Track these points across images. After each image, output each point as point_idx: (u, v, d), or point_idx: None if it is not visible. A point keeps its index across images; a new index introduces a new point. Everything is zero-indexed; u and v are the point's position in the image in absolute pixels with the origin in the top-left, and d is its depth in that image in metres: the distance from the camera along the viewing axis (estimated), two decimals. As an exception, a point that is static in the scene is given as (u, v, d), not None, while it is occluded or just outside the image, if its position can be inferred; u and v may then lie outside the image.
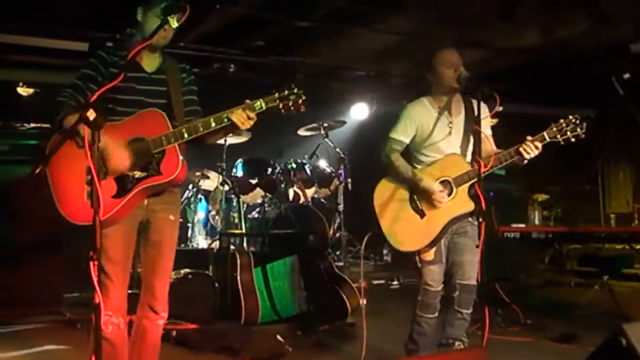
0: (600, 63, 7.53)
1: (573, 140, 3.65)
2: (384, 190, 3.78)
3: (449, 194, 3.67)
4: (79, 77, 3.11)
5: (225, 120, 3.10)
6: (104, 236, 2.90)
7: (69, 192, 2.95)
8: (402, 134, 3.82)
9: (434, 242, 3.68)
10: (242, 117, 3.10)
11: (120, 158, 2.95)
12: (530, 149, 3.60)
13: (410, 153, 3.88)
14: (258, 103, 3.13)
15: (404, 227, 3.70)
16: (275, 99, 3.17)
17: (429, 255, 3.71)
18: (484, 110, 3.71)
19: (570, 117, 3.66)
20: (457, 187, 3.67)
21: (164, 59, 3.28)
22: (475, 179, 3.56)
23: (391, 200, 3.74)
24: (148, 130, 3.05)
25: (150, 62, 3.22)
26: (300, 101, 3.18)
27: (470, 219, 3.76)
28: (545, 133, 3.64)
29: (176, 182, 3.14)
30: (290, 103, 3.17)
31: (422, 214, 3.68)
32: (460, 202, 3.67)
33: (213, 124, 3.09)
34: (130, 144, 3.02)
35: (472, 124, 3.78)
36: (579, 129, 3.64)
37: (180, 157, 3.08)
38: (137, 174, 3.03)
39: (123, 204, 2.99)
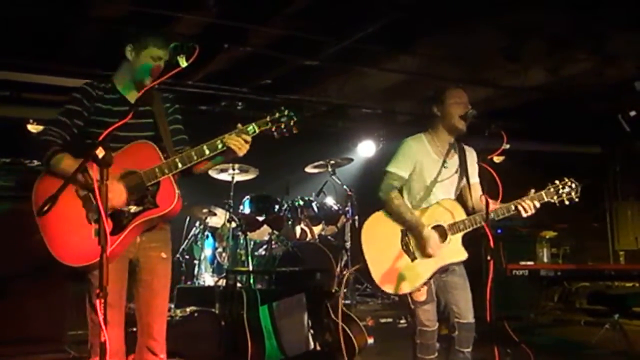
0: (605, 101, 7.58)
1: (567, 203, 3.74)
2: (374, 225, 3.72)
3: (442, 242, 3.64)
4: (63, 113, 3.06)
5: (220, 146, 3.05)
6: (94, 277, 2.86)
7: (62, 235, 2.89)
8: (401, 169, 3.77)
9: (419, 287, 3.63)
10: (238, 142, 3.06)
11: (116, 193, 2.88)
12: (529, 207, 3.67)
13: (401, 192, 3.83)
14: (251, 127, 3.10)
15: (391, 267, 3.61)
16: (267, 122, 3.14)
17: (422, 296, 3.65)
18: (474, 157, 3.84)
19: (566, 179, 3.75)
20: (451, 234, 3.65)
21: (147, 90, 3.18)
22: (470, 230, 3.61)
23: (381, 237, 3.67)
24: (139, 163, 3.00)
25: (134, 95, 3.17)
26: (292, 123, 3.15)
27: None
28: (543, 193, 3.72)
29: (173, 214, 3.07)
30: (283, 126, 3.14)
31: (412, 257, 3.62)
32: (453, 251, 3.65)
33: (207, 152, 3.05)
34: (121, 179, 2.96)
35: (464, 169, 3.84)
36: (573, 193, 3.74)
37: (176, 188, 3.03)
38: (133, 208, 2.97)
39: (119, 242, 2.93)
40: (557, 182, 3.74)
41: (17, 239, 5.06)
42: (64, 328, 5.32)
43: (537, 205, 3.70)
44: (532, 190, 3.72)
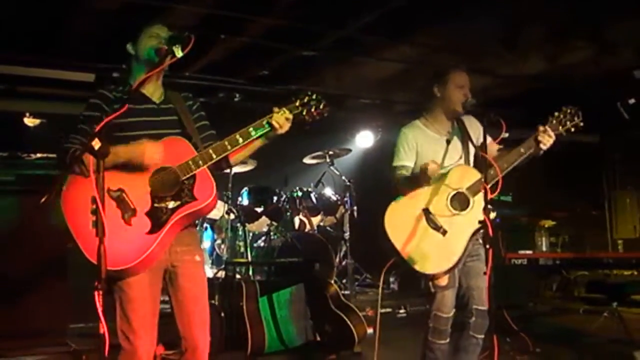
0: (604, 89, 7.56)
1: (573, 130, 3.66)
2: (395, 214, 3.62)
3: (466, 207, 3.56)
4: (83, 120, 2.97)
5: (253, 133, 2.99)
6: (128, 285, 2.81)
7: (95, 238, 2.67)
8: (405, 160, 3.76)
9: (460, 261, 3.55)
10: (281, 119, 3.00)
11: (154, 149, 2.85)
12: (547, 138, 3.60)
13: None
14: (282, 112, 3.02)
15: (425, 248, 3.52)
16: (297, 107, 3.07)
17: (444, 280, 3.59)
18: (473, 123, 3.81)
19: (564, 108, 3.69)
20: (473, 196, 3.56)
21: (166, 89, 3.18)
22: (490, 184, 3.44)
23: (406, 222, 3.58)
24: (172, 158, 2.92)
25: (154, 92, 3.12)
26: (321, 106, 3.10)
27: (480, 241, 3.67)
28: (547, 127, 3.63)
29: (211, 207, 2.97)
30: (313, 109, 3.08)
31: (443, 232, 3.52)
32: (479, 212, 3.49)
33: (240, 140, 2.98)
34: (154, 175, 2.90)
35: (467, 140, 3.80)
36: (576, 119, 3.67)
37: (213, 180, 2.94)
38: (170, 203, 2.87)
39: (159, 241, 2.81)
40: (556, 113, 3.68)
41: (18, 233, 5.08)
42: (66, 321, 5.34)
43: (552, 135, 3.61)
44: (540, 127, 3.64)
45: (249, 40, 6.54)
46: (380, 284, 3.98)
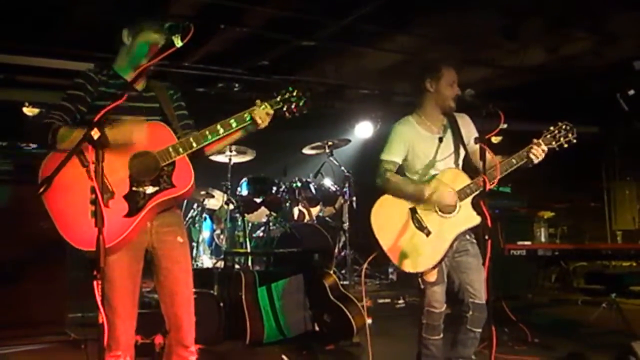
0: (603, 80, 7.55)
1: (566, 146, 3.68)
2: (382, 210, 3.68)
3: (453, 210, 3.61)
4: (66, 98, 2.99)
5: (234, 125, 3.02)
6: (108, 266, 2.74)
7: (75, 220, 2.77)
8: (394, 154, 3.76)
9: (441, 261, 3.61)
10: (262, 113, 3.03)
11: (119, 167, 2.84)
12: (539, 153, 3.62)
13: (404, 175, 3.82)
14: (263, 107, 3.06)
15: (408, 247, 3.59)
16: (278, 102, 3.11)
17: (432, 277, 3.63)
18: (466, 121, 3.82)
19: (560, 123, 3.70)
20: (460, 201, 3.62)
21: (149, 79, 3.19)
22: (478, 192, 3.55)
23: (392, 220, 3.64)
24: (152, 144, 2.93)
25: (138, 81, 3.11)
26: (302, 103, 3.11)
27: (468, 237, 3.73)
28: (540, 140, 3.66)
29: (188, 194, 3.00)
30: (294, 105, 3.11)
31: (427, 233, 3.60)
32: (465, 217, 3.62)
33: (221, 131, 3.00)
34: (134, 159, 2.90)
35: (458, 139, 3.81)
36: (570, 135, 3.68)
37: (192, 168, 2.98)
38: (149, 188, 2.89)
39: (135, 225, 2.83)
40: (551, 127, 3.70)
41: (17, 223, 5.07)
42: (65, 311, 5.34)
43: (546, 149, 3.63)
44: (535, 140, 3.65)
45: (248, 31, 6.52)
46: (362, 276, 4.04)
